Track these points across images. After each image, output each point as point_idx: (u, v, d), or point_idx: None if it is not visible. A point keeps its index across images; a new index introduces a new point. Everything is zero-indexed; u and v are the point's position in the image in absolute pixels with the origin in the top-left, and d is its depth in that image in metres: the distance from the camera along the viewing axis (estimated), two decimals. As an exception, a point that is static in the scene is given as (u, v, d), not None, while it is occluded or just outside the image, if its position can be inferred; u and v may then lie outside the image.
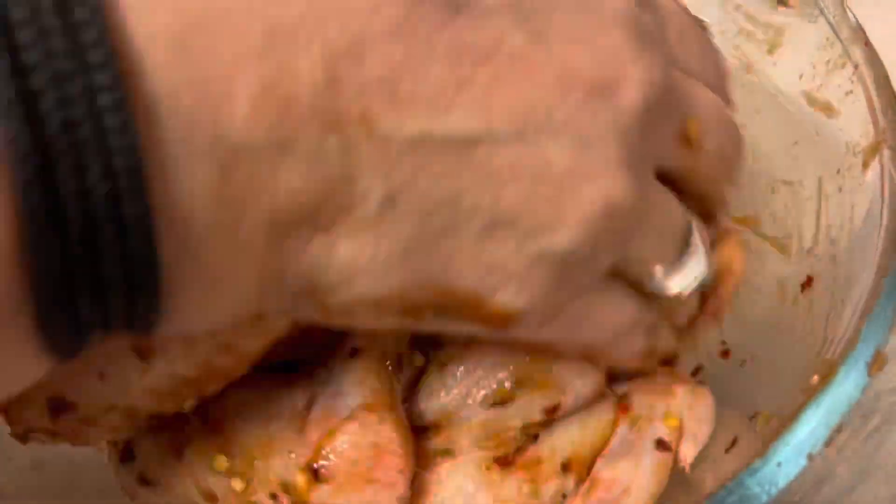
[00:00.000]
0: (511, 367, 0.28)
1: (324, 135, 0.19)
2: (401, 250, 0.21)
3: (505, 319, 0.23)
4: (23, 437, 0.28)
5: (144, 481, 0.29)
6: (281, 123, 0.18)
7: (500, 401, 0.28)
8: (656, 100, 0.23)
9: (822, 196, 0.34)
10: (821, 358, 0.27)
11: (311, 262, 0.21)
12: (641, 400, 0.30)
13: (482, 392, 0.28)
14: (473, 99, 0.20)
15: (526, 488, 0.28)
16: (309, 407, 0.27)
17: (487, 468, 0.28)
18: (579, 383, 0.29)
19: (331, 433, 0.26)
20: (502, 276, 0.22)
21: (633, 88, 0.23)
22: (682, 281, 0.26)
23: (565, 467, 0.29)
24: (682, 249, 0.26)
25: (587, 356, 0.28)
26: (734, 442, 0.29)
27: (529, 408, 0.28)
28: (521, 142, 0.21)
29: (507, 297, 0.23)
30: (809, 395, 0.25)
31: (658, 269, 0.26)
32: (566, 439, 0.29)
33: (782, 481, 0.24)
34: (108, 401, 0.27)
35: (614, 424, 0.30)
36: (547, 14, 0.22)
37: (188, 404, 0.27)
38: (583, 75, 0.22)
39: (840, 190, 0.32)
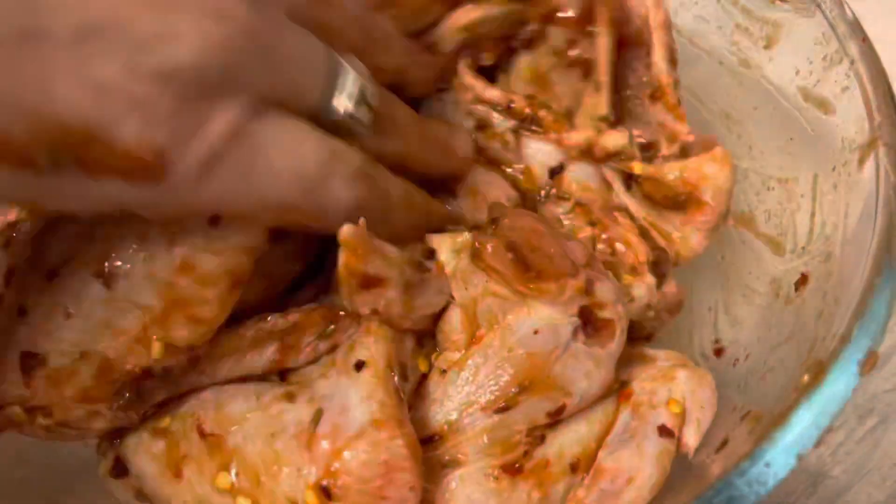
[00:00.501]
0: (512, 371, 0.28)
1: None
2: None
3: (149, 166, 0.20)
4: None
5: (142, 496, 0.29)
6: None
7: (504, 406, 0.28)
8: None
9: (818, 193, 0.34)
10: (811, 357, 0.27)
11: None
12: (643, 386, 0.30)
13: (484, 398, 0.28)
14: None
15: (535, 494, 0.28)
16: (315, 422, 0.27)
17: (496, 478, 0.27)
18: (585, 384, 0.28)
19: (340, 451, 0.26)
20: (121, 101, 0.19)
21: None
22: (343, 100, 0.26)
23: (574, 467, 0.28)
24: (332, 74, 0.25)
25: (290, 221, 0.26)
26: (725, 442, 0.29)
27: (533, 411, 0.28)
28: None
29: (136, 129, 0.19)
30: (800, 394, 0.24)
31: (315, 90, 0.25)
32: (573, 438, 0.29)
33: (771, 482, 0.23)
34: (78, 346, 0.26)
35: (616, 412, 0.30)
36: None
37: (157, 352, 0.26)
38: None
39: (835, 187, 0.32)
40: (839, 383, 0.24)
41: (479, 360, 0.28)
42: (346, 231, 0.25)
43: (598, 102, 0.34)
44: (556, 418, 0.28)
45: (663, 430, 0.29)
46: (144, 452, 0.29)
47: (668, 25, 0.35)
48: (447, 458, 0.28)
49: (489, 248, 0.28)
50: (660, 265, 0.33)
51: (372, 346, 0.28)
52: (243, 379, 0.29)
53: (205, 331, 0.27)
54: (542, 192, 0.34)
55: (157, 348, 0.27)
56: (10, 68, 0.18)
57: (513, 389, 0.28)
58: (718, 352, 0.37)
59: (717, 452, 0.29)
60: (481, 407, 0.28)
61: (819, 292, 0.30)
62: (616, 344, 0.29)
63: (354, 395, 0.27)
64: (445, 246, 0.30)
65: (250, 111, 0.22)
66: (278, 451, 0.27)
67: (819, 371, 0.25)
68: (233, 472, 0.27)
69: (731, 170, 0.32)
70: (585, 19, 0.34)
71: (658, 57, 0.35)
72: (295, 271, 0.31)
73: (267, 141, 0.23)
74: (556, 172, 0.34)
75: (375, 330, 0.28)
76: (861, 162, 0.30)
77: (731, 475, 0.23)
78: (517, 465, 0.28)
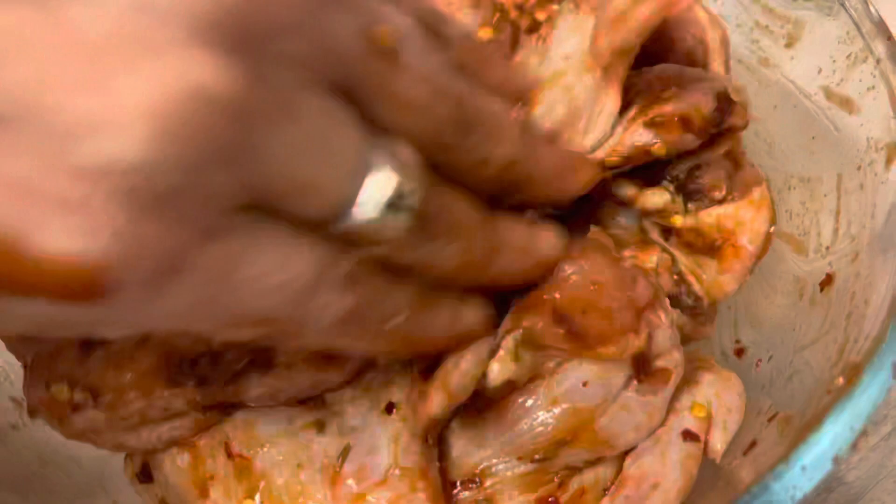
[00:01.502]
0: (554, 425, 0.26)
1: None
2: None
3: (81, 282, 0.15)
4: (36, 407, 0.27)
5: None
6: None
7: (542, 458, 0.27)
8: None
9: (842, 192, 0.33)
10: (844, 359, 0.27)
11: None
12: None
13: (523, 449, 0.27)
14: None
15: None
16: (343, 458, 0.27)
17: None
18: (632, 437, 0.28)
19: (363, 496, 0.26)
20: (41, 203, 0.15)
21: None
22: (367, 206, 0.19)
23: (607, 490, 0.28)
24: (361, 170, 0.19)
25: (279, 335, 0.21)
26: (753, 444, 0.28)
27: (573, 459, 0.28)
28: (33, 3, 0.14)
29: (62, 238, 0.15)
30: (835, 396, 0.24)
31: (330, 196, 0.19)
32: (608, 461, 0.28)
33: (807, 485, 0.23)
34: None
35: None
36: None
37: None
38: None
39: (861, 187, 0.32)
40: (874, 385, 0.24)
41: (521, 410, 0.27)
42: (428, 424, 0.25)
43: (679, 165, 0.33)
44: (596, 464, 0.28)
45: (688, 435, 0.28)
46: (170, 463, 0.28)
47: (725, 43, 0.34)
48: (481, 497, 0.27)
49: (539, 328, 0.26)
50: (696, 312, 0.32)
51: (395, 387, 0.27)
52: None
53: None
54: None
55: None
56: None
57: (553, 444, 0.27)
58: (739, 352, 0.37)
59: (745, 455, 0.28)
60: (518, 456, 0.27)
61: (847, 293, 0.30)
62: (670, 391, 0.28)
63: (383, 436, 0.27)
64: (507, 371, 0.26)
65: (240, 225, 0.18)
66: (303, 484, 0.26)
67: (854, 373, 0.24)
68: (258, 500, 0.27)
69: (768, 212, 0.32)
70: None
71: (716, 77, 0.34)
72: None
73: (247, 248, 0.18)
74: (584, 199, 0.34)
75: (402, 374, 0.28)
76: (889, 162, 0.30)
77: (768, 479, 0.23)
78: (551, 499, 0.27)
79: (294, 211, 0.19)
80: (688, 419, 0.29)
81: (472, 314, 0.26)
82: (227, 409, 0.28)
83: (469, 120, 0.22)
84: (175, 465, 0.28)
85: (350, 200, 0.19)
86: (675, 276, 0.32)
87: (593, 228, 0.33)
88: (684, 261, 0.33)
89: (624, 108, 0.31)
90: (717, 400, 0.29)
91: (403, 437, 0.27)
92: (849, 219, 0.32)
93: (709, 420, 0.29)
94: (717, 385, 0.30)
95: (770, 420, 0.29)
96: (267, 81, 0.17)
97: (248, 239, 0.18)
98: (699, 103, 0.30)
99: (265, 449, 0.27)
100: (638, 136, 0.30)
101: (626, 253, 0.32)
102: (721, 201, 0.32)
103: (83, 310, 0.16)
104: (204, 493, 0.27)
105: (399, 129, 0.21)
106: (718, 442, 0.29)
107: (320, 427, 0.28)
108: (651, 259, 0.31)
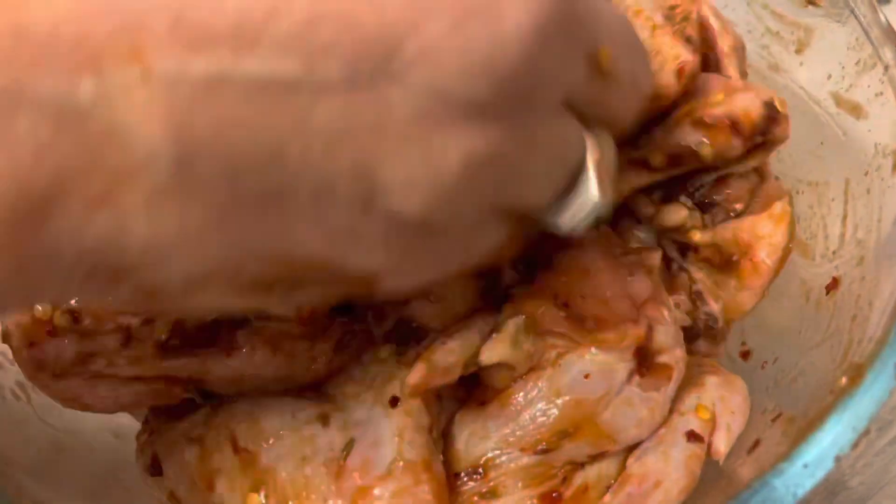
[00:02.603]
0: (557, 416, 0.27)
1: (73, 78, 0.15)
2: (215, 219, 0.17)
3: (368, 282, 0.21)
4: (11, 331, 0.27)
5: (175, 499, 0.29)
6: (9, 63, 0.14)
7: (545, 449, 0.27)
8: (554, 23, 0.19)
9: (849, 197, 0.34)
10: (848, 360, 0.27)
11: (98, 241, 0.16)
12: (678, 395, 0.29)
13: (525, 440, 0.27)
14: (289, 32, 0.16)
15: None
16: (347, 451, 0.27)
17: None
18: (634, 432, 0.28)
19: (367, 489, 0.26)
20: (353, 242, 0.19)
21: (519, 9, 0.18)
22: (573, 217, 0.23)
23: (609, 487, 0.28)
24: (573, 180, 0.23)
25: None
26: (756, 444, 0.29)
27: (575, 454, 0.28)
28: (352, 87, 0.17)
29: (360, 260, 0.20)
30: (837, 396, 0.24)
31: (546, 208, 0.23)
32: (611, 459, 0.28)
33: (809, 483, 0.23)
34: None
35: None
36: None
37: None
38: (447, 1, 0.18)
39: (868, 192, 0.32)
40: (876, 386, 0.24)
41: (523, 401, 0.27)
42: (408, 392, 0.26)
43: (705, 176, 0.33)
44: (599, 458, 0.28)
45: (692, 436, 0.28)
46: (179, 457, 0.29)
47: (739, 50, 0.34)
48: (485, 490, 0.28)
49: (541, 312, 0.27)
50: (712, 332, 0.32)
51: (398, 382, 0.28)
52: (280, 392, 0.29)
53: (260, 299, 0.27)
54: None
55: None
56: (257, 223, 0.18)
57: (555, 435, 0.27)
58: (745, 354, 0.37)
59: (749, 454, 0.29)
60: (521, 447, 0.28)
61: (852, 296, 0.30)
62: (672, 388, 0.28)
63: (386, 430, 0.27)
64: (502, 352, 0.27)
65: (461, 230, 0.22)
66: (308, 477, 0.27)
67: (857, 374, 0.25)
68: (262, 493, 0.27)
69: (787, 226, 0.31)
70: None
71: (731, 84, 0.34)
72: None
73: (475, 240, 0.23)
74: None
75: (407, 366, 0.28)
76: (895, 167, 0.31)
77: (769, 475, 0.23)
78: (555, 494, 0.27)
79: (515, 213, 0.23)
80: (692, 420, 0.29)
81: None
82: (190, 386, 0.29)
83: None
84: (184, 459, 0.29)
85: (559, 207, 0.23)
86: (693, 296, 0.33)
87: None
88: (702, 279, 0.32)
89: (669, 111, 0.32)
90: (722, 402, 0.29)
91: (408, 430, 0.27)
92: (855, 223, 0.33)
93: (713, 422, 0.29)
94: (722, 388, 0.30)
95: (774, 420, 0.29)
96: (519, 128, 0.20)
97: (477, 233, 0.22)
98: (749, 108, 0.30)
99: (270, 443, 0.28)
100: (685, 134, 0.30)
101: (630, 253, 0.32)
102: (739, 214, 0.32)
103: (357, 292, 0.22)
104: (210, 486, 0.28)
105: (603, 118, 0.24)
106: (722, 443, 0.29)
107: (324, 421, 0.28)
108: (654, 258, 0.31)
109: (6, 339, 0.28)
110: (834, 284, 0.32)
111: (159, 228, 0.17)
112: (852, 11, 0.34)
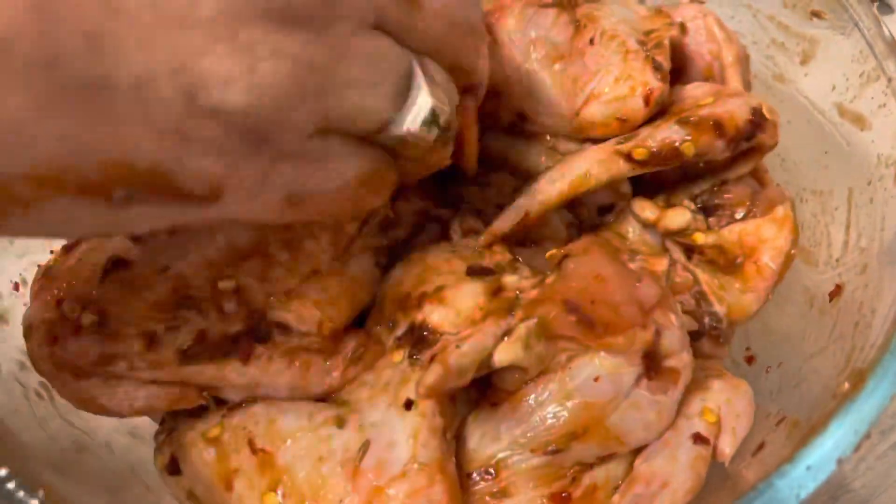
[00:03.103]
0: (567, 419, 0.28)
1: None
2: (35, 107, 0.18)
3: (204, 195, 0.22)
4: (35, 324, 0.28)
5: (193, 498, 0.30)
6: None
7: (555, 450, 0.28)
8: None
9: (853, 206, 0.34)
10: (850, 366, 0.28)
11: None
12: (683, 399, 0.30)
13: (535, 442, 0.28)
14: None
15: None
16: (363, 452, 0.28)
17: None
18: (642, 436, 0.29)
19: (382, 489, 0.27)
20: (181, 142, 0.20)
21: None
22: (413, 121, 0.25)
23: (617, 488, 0.29)
24: (402, 91, 0.25)
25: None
26: (761, 447, 0.29)
27: (585, 454, 0.28)
28: None
29: (194, 164, 0.21)
30: (840, 401, 0.25)
31: (387, 121, 0.25)
32: (619, 460, 0.29)
33: (811, 484, 0.24)
34: (164, 261, 0.27)
35: None
36: None
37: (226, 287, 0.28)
38: None
39: (871, 201, 0.33)
40: (878, 391, 0.25)
41: (534, 403, 0.28)
42: (424, 393, 0.27)
43: (702, 183, 0.34)
44: (608, 460, 0.29)
45: (698, 438, 0.29)
46: (197, 458, 0.29)
47: (743, 60, 0.35)
48: (496, 489, 0.28)
49: (552, 316, 0.28)
50: (716, 333, 0.33)
51: (412, 384, 0.28)
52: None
53: (264, 294, 0.29)
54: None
55: (228, 284, 0.28)
56: (81, 116, 0.19)
57: (565, 437, 0.28)
58: (749, 359, 0.38)
59: (753, 456, 0.29)
60: (531, 448, 0.28)
61: (855, 303, 0.31)
62: (679, 392, 0.29)
63: (401, 432, 0.28)
64: (514, 355, 0.28)
65: (298, 141, 0.23)
66: (324, 477, 0.27)
67: (859, 379, 0.25)
68: (280, 493, 0.28)
69: (791, 230, 0.32)
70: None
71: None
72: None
73: (314, 165, 0.24)
74: (605, 211, 0.35)
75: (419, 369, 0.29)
76: (898, 177, 0.31)
77: (773, 477, 0.24)
78: (565, 494, 0.28)
79: (352, 129, 0.24)
80: (698, 423, 0.29)
81: None
82: (205, 392, 0.30)
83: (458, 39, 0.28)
84: (202, 459, 0.29)
85: (393, 120, 0.25)
86: (697, 296, 0.33)
87: (603, 230, 0.34)
88: (707, 281, 0.33)
89: (659, 115, 0.33)
90: (728, 406, 0.30)
91: (422, 432, 0.28)
92: (859, 231, 0.33)
93: (718, 425, 0.29)
94: (728, 391, 0.30)
95: (778, 424, 0.30)
96: (323, 37, 0.22)
97: (316, 154, 0.24)
98: (734, 112, 0.31)
99: (287, 444, 0.28)
100: (669, 131, 0.31)
101: (637, 258, 0.33)
102: (743, 218, 0.33)
103: (202, 209, 0.22)
104: (229, 486, 0.28)
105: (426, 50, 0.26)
106: (727, 446, 0.29)
107: (340, 423, 0.29)
108: (661, 263, 0.32)
109: (27, 335, 0.29)
110: (837, 291, 0.33)
111: None
112: (856, 24, 0.35)
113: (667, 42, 0.33)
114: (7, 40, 0.18)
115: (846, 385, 0.26)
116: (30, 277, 0.37)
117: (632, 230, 0.34)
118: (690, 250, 0.34)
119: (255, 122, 0.21)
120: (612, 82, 0.32)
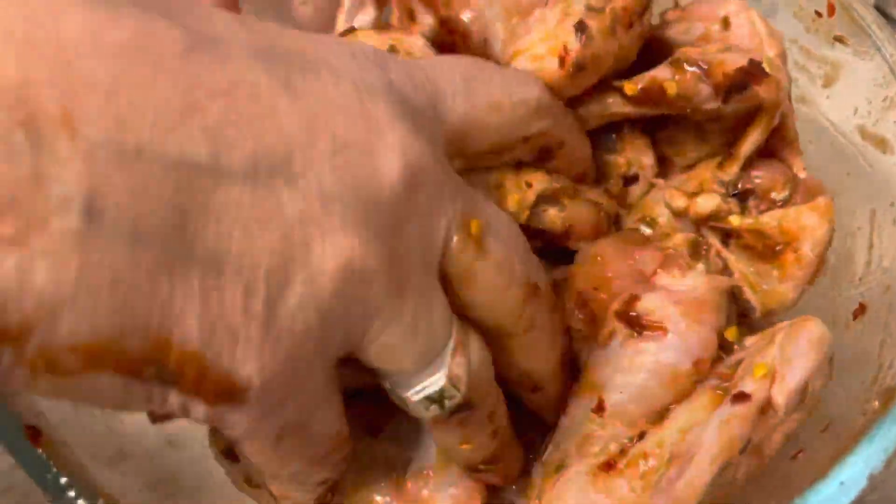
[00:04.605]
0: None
1: (10, 126, 0.17)
2: (110, 280, 0.18)
3: (230, 393, 0.21)
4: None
5: (250, 482, 0.31)
6: None
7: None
8: (424, 176, 0.23)
9: (875, 227, 0.35)
10: (878, 383, 0.29)
11: (2, 282, 0.17)
12: (745, 364, 0.28)
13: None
14: (203, 126, 0.19)
15: (637, 484, 0.27)
16: (404, 467, 0.29)
17: (594, 476, 0.28)
18: (620, 380, 0.29)
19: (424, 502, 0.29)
20: (229, 337, 0.20)
21: (393, 155, 0.22)
22: (416, 393, 0.24)
23: (674, 454, 0.27)
24: (429, 358, 0.24)
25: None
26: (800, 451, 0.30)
27: (581, 411, 0.30)
28: (251, 181, 0.20)
29: (234, 363, 0.20)
30: (871, 418, 0.26)
31: (398, 371, 0.24)
32: (675, 428, 0.28)
33: (844, 500, 0.25)
34: None
35: (723, 395, 0.28)
36: (300, 68, 0.22)
37: None
38: (334, 130, 0.21)
39: (894, 223, 0.34)
40: (907, 410, 0.26)
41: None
42: None
43: (728, 169, 0.34)
44: (601, 413, 0.29)
45: (737, 397, 0.27)
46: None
47: (783, 57, 0.34)
48: (556, 459, 0.29)
49: (568, 307, 0.30)
50: (748, 321, 0.33)
51: None
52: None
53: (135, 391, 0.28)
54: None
55: None
56: (144, 289, 0.19)
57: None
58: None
59: (792, 459, 0.30)
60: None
61: (880, 322, 0.32)
62: (669, 339, 0.29)
63: (432, 449, 0.29)
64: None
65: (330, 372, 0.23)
66: (368, 486, 0.29)
67: (888, 398, 0.26)
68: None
69: (830, 221, 0.32)
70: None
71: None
72: None
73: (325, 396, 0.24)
74: (630, 181, 0.35)
75: None
76: (921, 201, 0.32)
77: (807, 494, 0.25)
78: (611, 462, 0.28)
79: (365, 360, 0.24)
80: (746, 382, 0.27)
81: None
82: None
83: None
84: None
85: (409, 378, 0.24)
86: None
87: (633, 213, 0.35)
88: (740, 267, 0.33)
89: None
90: (781, 353, 0.28)
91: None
92: (881, 253, 0.34)
93: (771, 377, 0.27)
94: (786, 338, 0.28)
95: (822, 431, 0.30)
96: (396, 258, 0.22)
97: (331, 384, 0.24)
98: (727, 59, 0.31)
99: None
100: (658, 70, 0.32)
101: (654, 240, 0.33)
102: (783, 204, 0.33)
103: (208, 408, 0.21)
104: None
105: (477, 308, 0.26)
106: (778, 395, 0.27)
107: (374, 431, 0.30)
108: (676, 238, 0.33)
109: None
110: (861, 310, 0.34)
111: (59, 277, 0.17)
112: (879, 50, 0.36)
113: (620, 6, 0.32)
114: (99, 208, 0.18)
115: (876, 403, 0.27)
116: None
117: (662, 214, 0.35)
118: (728, 236, 0.34)
119: (306, 339, 0.21)
120: (537, 40, 0.31)
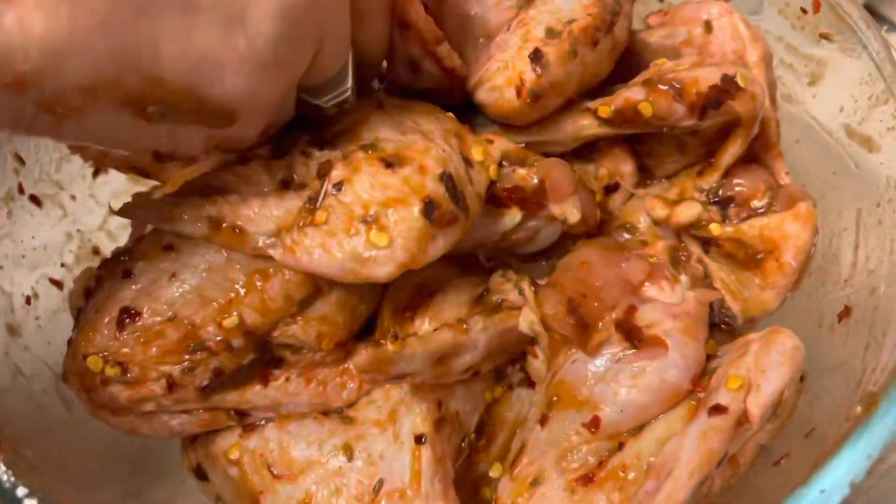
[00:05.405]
0: (544, 394, 0.29)
1: None
2: (99, 25, 0.21)
3: (226, 117, 0.25)
4: (69, 376, 0.30)
5: (221, 501, 0.31)
6: None
7: (542, 418, 0.30)
8: None
9: (861, 227, 0.35)
10: (862, 388, 0.28)
11: (4, 42, 0.20)
12: (719, 374, 0.28)
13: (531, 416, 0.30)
14: None
15: (615, 497, 0.27)
16: (377, 491, 0.29)
17: (572, 490, 0.28)
18: (623, 397, 0.29)
19: None
20: (216, 68, 0.23)
21: None
22: (329, 97, 0.29)
23: (650, 465, 0.27)
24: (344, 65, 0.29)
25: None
26: (784, 456, 0.29)
27: (570, 423, 0.30)
28: None
29: (224, 91, 0.24)
30: (853, 424, 0.25)
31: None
32: (652, 439, 0.28)
33: (826, 508, 0.24)
34: (171, 307, 0.29)
35: (697, 405, 0.28)
36: None
37: (231, 323, 0.29)
38: None
39: (880, 223, 0.33)
40: (890, 415, 0.25)
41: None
42: (358, 366, 0.28)
43: (708, 178, 0.34)
44: (593, 430, 0.29)
45: (714, 410, 0.27)
46: (222, 473, 0.31)
47: (768, 60, 0.34)
48: (531, 473, 0.29)
49: (556, 314, 0.29)
50: (729, 328, 0.33)
51: (418, 417, 0.30)
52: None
53: (270, 322, 0.30)
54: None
55: (232, 321, 0.29)
56: (131, 30, 0.21)
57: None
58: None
59: (775, 466, 0.29)
60: (533, 423, 0.30)
61: (865, 325, 0.31)
62: (671, 356, 0.29)
63: (407, 469, 0.29)
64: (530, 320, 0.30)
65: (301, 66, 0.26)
66: None
67: (871, 403, 0.26)
68: None
69: (813, 228, 0.32)
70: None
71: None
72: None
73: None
74: (611, 190, 0.35)
75: (422, 396, 0.30)
76: (907, 200, 0.32)
77: (788, 501, 0.24)
78: (589, 475, 0.28)
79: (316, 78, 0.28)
80: (721, 394, 0.27)
81: None
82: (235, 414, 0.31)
83: None
84: (227, 475, 0.30)
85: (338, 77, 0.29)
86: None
87: (612, 222, 0.35)
88: (721, 276, 0.33)
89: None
90: (755, 365, 0.28)
91: (429, 466, 0.29)
92: (867, 254, 0.34)
93: (746, 388, 0.27)
94: (760, 350, 0.28)
95: (806, 436, 0.30)
96: None
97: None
98: (700, 77, 0.31)
99: (303, 472, 0.30)
100: (632, 91, 0.32)
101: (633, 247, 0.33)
102: (764, 212, 0.33)
103: (212, 128, 0.25)
104: (256, 502, 0.30)
105: None
106: (752, 406, 0.27)
107: (349, 453, 0.30)
108: (657, 245, 0.32)
109: (65, 380, 0.30)
110: (846, 312, 0.33)
111: (54, 25, 0.20)
112: (865, 47, 0.35)
113: (580, 28, 0.32)
114: None
115: (858, 409, 0.26)
116: (41, 291, 0.38)
117: (642, 220, 0.35)
118: (708, 243, 0.33)
119: (276, 54, 0.24)
120: (496, 70, 0.32)
